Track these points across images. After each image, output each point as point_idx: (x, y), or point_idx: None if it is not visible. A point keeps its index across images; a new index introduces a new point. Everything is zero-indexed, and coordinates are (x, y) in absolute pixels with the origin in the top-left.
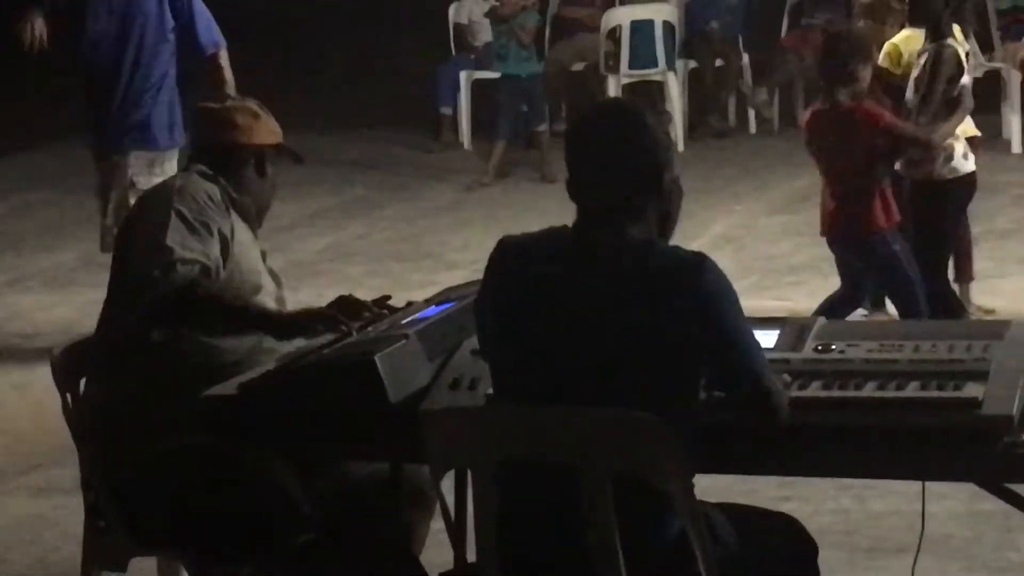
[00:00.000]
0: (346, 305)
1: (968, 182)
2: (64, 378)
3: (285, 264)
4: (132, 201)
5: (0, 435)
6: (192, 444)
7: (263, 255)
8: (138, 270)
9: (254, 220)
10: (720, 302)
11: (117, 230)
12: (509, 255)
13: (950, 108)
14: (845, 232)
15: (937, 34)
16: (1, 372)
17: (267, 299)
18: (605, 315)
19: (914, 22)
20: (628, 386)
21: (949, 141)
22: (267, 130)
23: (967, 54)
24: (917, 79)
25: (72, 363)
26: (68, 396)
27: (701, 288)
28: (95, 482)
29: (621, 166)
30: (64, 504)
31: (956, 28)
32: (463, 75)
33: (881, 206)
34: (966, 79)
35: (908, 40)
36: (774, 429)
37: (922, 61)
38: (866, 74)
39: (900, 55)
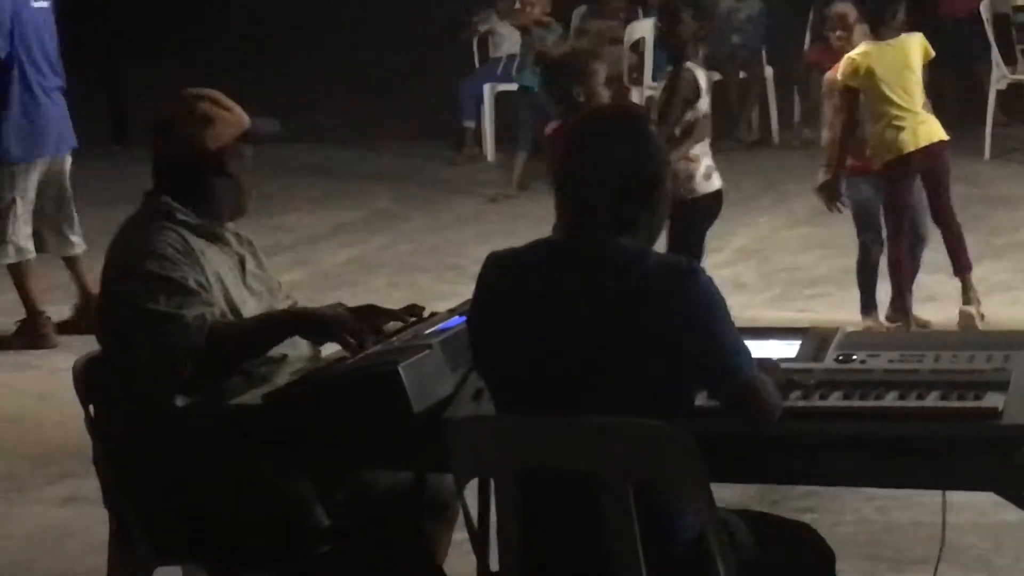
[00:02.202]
0: (368, 314)
1: (711, 200)
2: (85, 389)
3: (309, 276)
4: None
5: (25, 445)
6: (214, 454)
7: (247, 259)
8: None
9: (225, 235)
10: (709, 309)
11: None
12: (499, 269)
13: (686, 132)
14: None
15: (679, 56)
16: (26, 382)
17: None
18: (598, 324)
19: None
20: (624, 394)
21: (690, 163)
22: (221, 129)
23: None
24: (657, 101)
25: (93, 374)
26: (90, 407)
27: (690, 295)
28: (116, 493)
29: (618, 170)
30: (89, 514)
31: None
32: (487, 87)
33: None
34: (703, 103)
35: (866, 55)
36: (764, 427)
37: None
38: (597, 89)
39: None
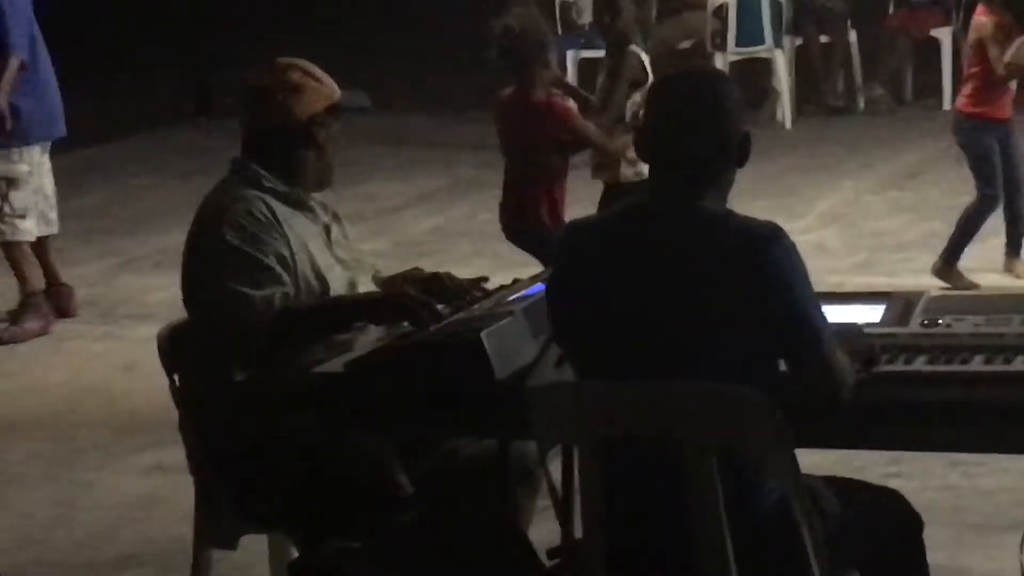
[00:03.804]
0: (436, 284)
1: None
2: (170, 358)
3: (391, 245)
4: None
5: (112, 415)
6: (297, 422)
7: (332, 228)
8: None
9: (311, 203)
10: (791, 275)
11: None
12: (579, 237)
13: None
14: (515, 220)
15: (620, 40)
16: (113, 352)
17: (336, 291)
18: (680, 287)
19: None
20: (709, 360)
21: None
22: (312, 99)
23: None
24: (600, 87)
25: (178, 343)
26: (175, 376)
27: (771, 261)
28: (202, 461)
29: (699, 127)
30: (175, 483)
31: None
32: (570, 54)
33: (548, 204)
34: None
35: None
36: (834, 406)
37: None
38: (544, 71)
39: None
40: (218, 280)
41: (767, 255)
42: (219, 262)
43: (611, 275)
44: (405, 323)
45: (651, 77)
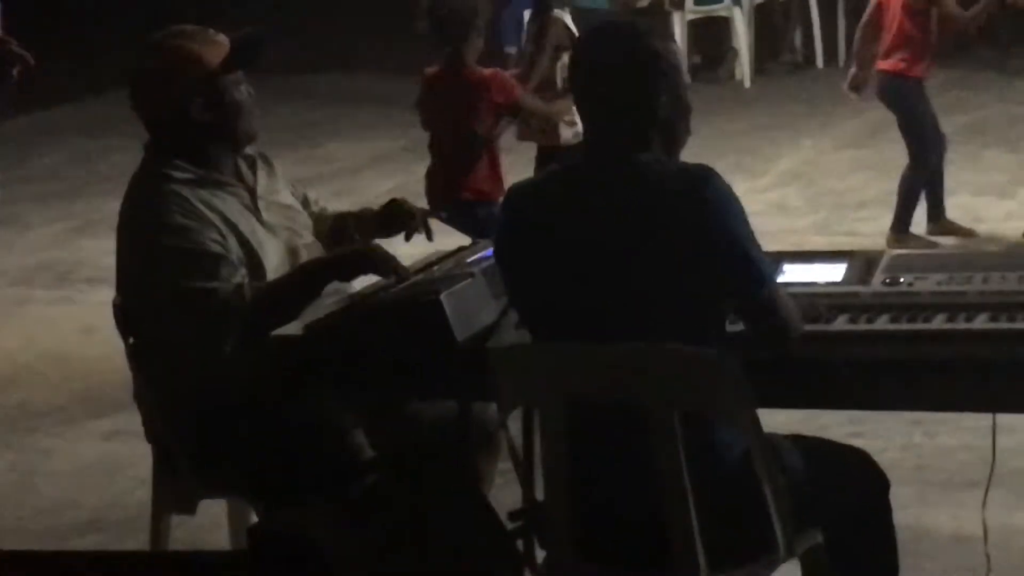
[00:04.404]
0: (387, 217)
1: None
2: (125, 322)
3: (350, 206)
4: None
5: (71, 380)
6: (257, 385)
7: (258, 186)
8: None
9: (226, 180)
10: (727, 212)
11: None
12: (522, 200)
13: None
14: (446, 193)
15: (543, 5)
16: (70, 317)
17: (272, 264)
18: (622, 240)
19: None
20: (656, 312)
21: (570, 106)
22: (191, 67)
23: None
24: (524, 52)
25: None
26: (131, 340)
27: (707, 197)
28: (159, 426)
29: (619, 80)
30: (135, 448)
31: None
32: (527, 14)
33: (490, 175)
34: None
35: None
36: (783, 346)
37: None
38: (477, 42)
39: None
40: (177, 287)
41: (704, 192)
42: (170, 269)
43: (555, 235)
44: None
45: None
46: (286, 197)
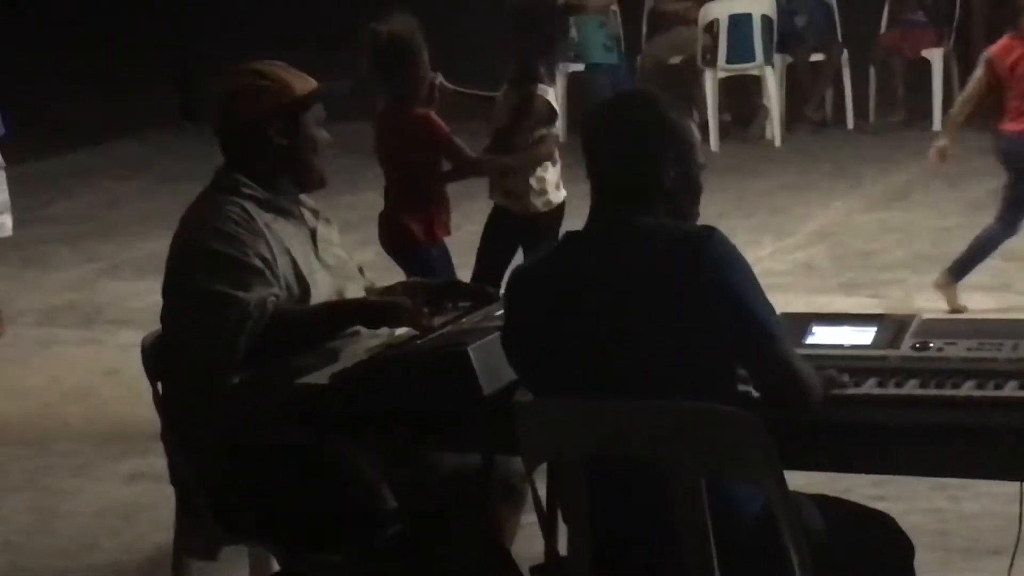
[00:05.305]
0: (450, 292)
1: (558, 211)
2: (154, 365)
3: (377, 255)
4: None
5: (93, 422)
6: (281, 435)
7: (319, 231)
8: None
9: (294, 208)
10: (731, 271)
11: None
12: (526, 280)
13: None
14: (392, 234)
15: (528, 75)
16: (95, 358)
17: (320, 297)
18: (627, 309)
19: None
20: (665, 376)
21: (541, 176)
22: (270, 101)
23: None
24: (498, 113)
25: (162, 350)
26: (159, 384)
27: (710, 258)
28: (183, 471)
29: (621, 147)
30: (156, 491)
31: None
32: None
33: (423, 221)
34: (558, 126)
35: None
36: (802, 411)
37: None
38: (421, 78)
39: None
40: (205, 287)
41: (700, 254)
42: (205, 269)
43: (561, 309)
44: (399, 330)
45: (558, 117)
46: (341, 252)
